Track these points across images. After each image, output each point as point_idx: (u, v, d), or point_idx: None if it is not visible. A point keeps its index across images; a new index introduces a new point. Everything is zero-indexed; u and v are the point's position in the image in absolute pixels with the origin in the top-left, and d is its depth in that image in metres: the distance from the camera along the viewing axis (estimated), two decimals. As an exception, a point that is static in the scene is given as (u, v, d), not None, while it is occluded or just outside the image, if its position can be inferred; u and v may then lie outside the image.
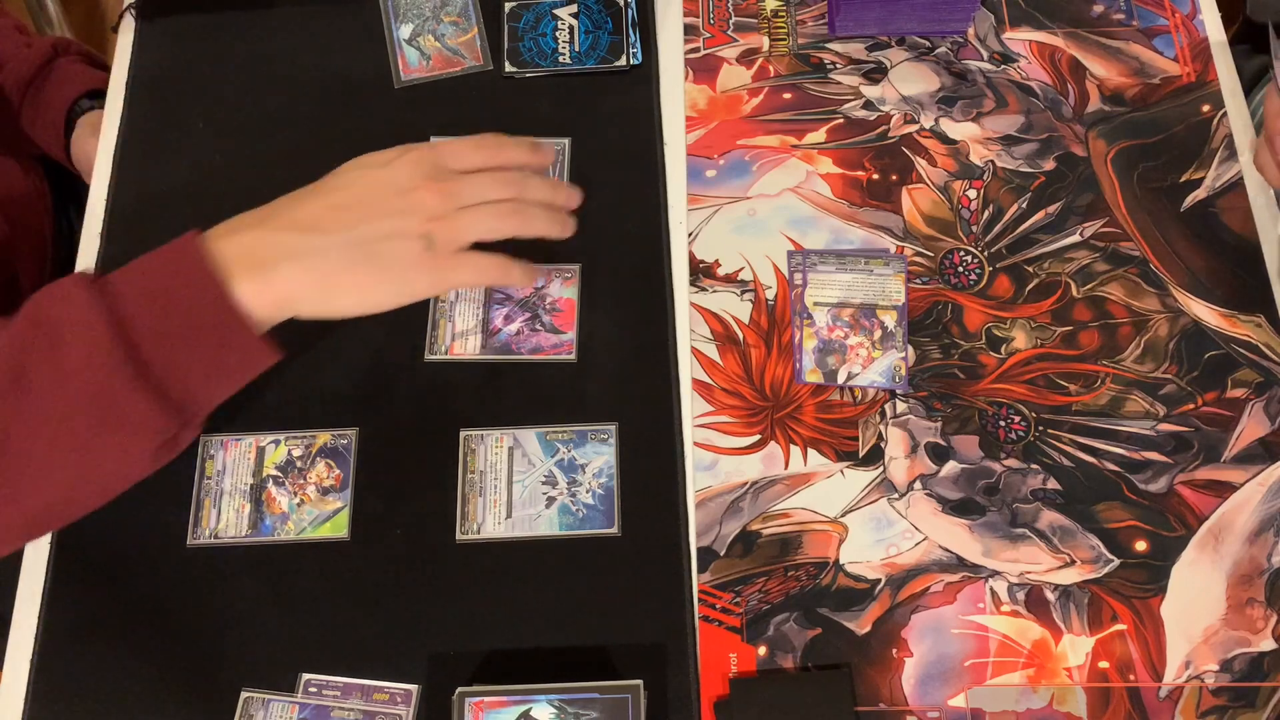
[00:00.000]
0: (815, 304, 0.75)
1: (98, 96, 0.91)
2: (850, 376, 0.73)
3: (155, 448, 0.60)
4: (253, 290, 0.59)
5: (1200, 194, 0.78)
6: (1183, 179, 0.79)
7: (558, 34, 0.84)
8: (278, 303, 0.60)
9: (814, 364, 0.74)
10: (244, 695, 0.65)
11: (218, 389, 0.61)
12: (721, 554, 0.69)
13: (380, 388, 0.73)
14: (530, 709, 0.62)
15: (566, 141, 0.81)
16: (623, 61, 0.83)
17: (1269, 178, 0.73)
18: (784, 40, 0.85)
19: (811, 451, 0.71)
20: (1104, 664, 0.66)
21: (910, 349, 0.74)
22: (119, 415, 0.57)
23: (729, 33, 0.85)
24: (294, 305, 0.61)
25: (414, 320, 0.75)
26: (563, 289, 0.76)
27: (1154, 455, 0.71)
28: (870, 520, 0.70)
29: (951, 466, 0.71)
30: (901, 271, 0.76)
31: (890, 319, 0.75)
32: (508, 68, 0.83)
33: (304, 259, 0.60)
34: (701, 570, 0.68)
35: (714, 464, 0.71)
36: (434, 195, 0.62)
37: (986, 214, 0.78)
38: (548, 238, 0.67)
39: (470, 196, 0.64)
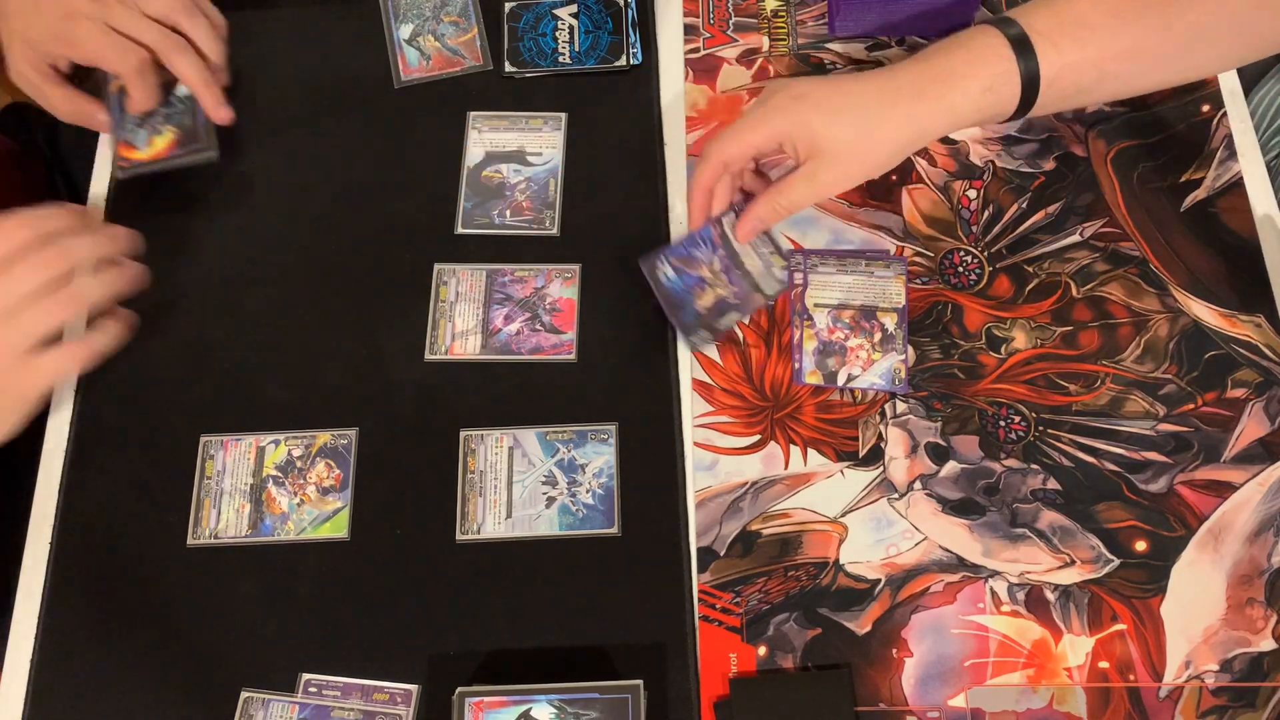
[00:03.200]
0: (815, 305, 0.75)
1: None
2: (850, 378, 0.73)
3: None
4: None
5: (1200, 194, 0.78)
6: (1183, 179, 0.79)
7: (558, 34, 0.84)
8: None
9: (814, 365, 0.74)
10: (244, 695, 0.65)
11: None
12: (721, 554, 0.69)
13: (380, 388, 0.73)
14: (530, 709, 0.62)
15: (563, 116, 0.81)
16: (623, 61, 0.83)
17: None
18: (784, 40, 0.85)
19: (811, 451, 0.71)
20: (1104, 664, 0.66)
21: (910, 349, 0.74)
22: None
23: (729, 33, 0.85)
24: None
25: (414, 320, 0.75)
26: (563, 289, 0.76)
27: (1154, 455, 0.71)
28: (870, 520, 0.70)
29: (951, 466, 0.71)
30: (902, 274, 0.76)
31: (890, 321, 0.75)
32: (508, 68, 0.83)
33: None
34: (701, 570, 0.68)
35: (714, 464, 0.71)
36: None
37: (986, 214, 0.78)
38: (121, 295, 0.65)
39: (12, 293, 0.61)
